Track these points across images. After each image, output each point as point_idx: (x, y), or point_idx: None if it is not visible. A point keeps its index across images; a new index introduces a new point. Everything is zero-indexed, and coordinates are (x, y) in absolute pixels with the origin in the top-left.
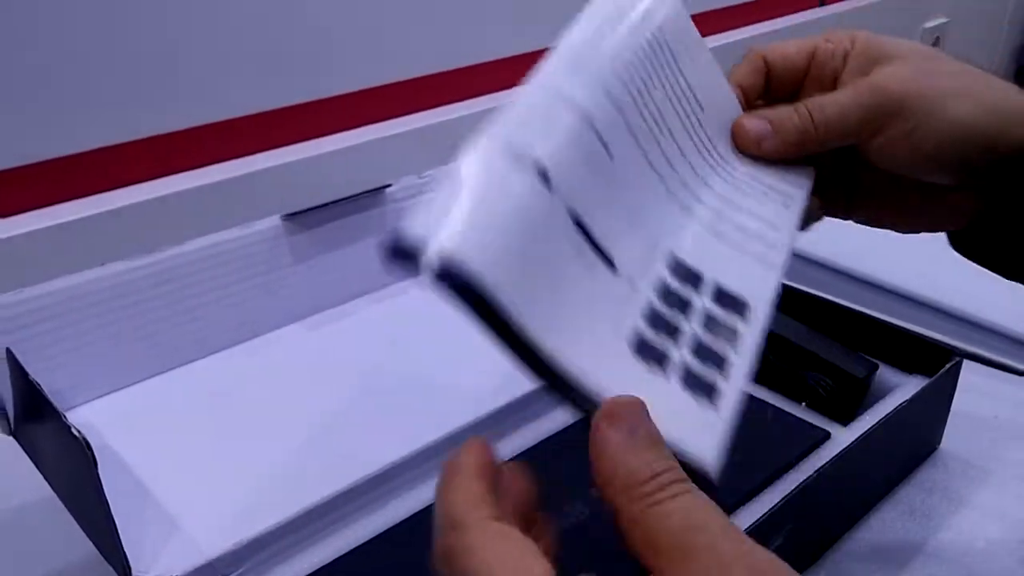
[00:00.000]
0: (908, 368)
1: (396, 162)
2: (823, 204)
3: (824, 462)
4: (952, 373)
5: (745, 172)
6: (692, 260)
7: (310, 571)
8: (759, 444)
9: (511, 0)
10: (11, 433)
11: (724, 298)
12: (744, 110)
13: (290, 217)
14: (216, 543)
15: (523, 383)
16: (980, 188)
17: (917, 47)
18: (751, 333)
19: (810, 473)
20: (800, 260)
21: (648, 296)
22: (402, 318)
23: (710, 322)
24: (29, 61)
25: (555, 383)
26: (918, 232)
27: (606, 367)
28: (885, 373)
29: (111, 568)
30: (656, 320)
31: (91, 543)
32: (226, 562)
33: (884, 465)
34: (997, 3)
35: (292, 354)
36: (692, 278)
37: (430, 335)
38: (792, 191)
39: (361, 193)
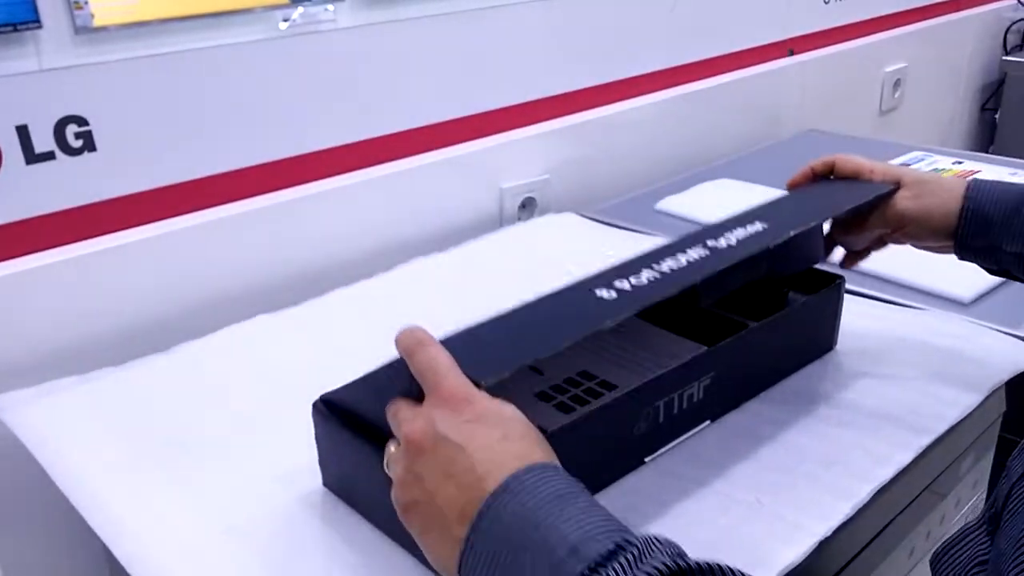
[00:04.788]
0: (808, 292)
1: None
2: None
3: (741, 331)
4: (835, 290)
5: None
6: None
7: None
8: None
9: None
10: None
11: None
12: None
13: None
14: None
15: None
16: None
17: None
18: None
19: (729, 340)
20: None
21: None
22: None
23: None
24: None
25: None
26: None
27: None
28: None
29: None
30: None
31: None
32: None
33: (789, 347)
34: (955, 50)
35: None
36: None
37: None
38: None
39: None
